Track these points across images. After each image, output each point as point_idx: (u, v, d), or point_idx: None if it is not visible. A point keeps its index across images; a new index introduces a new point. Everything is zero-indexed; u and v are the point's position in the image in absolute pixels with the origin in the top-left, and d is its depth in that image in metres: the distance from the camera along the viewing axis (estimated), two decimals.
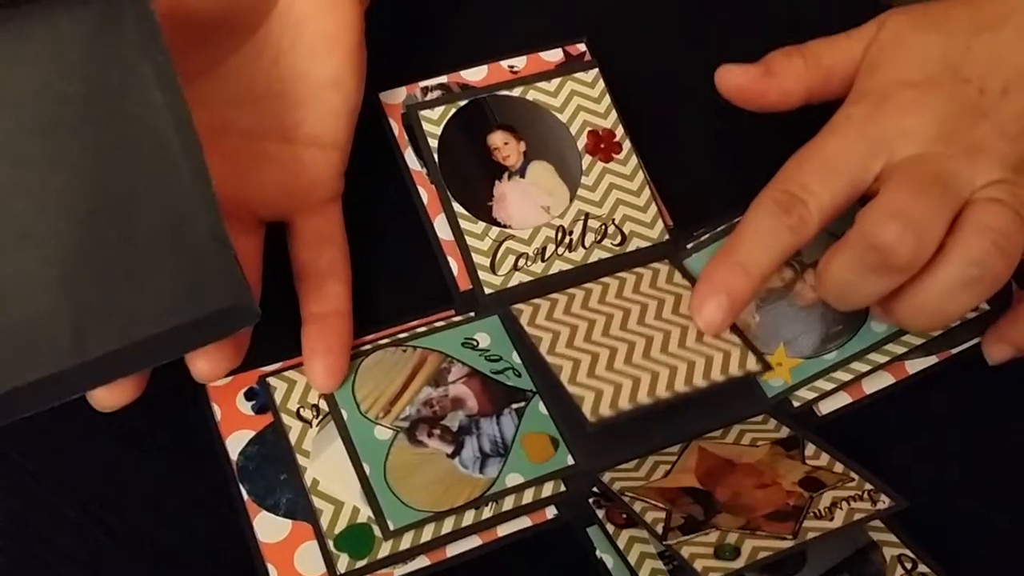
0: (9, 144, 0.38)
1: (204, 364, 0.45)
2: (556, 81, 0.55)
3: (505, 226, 0.52)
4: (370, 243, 0.53)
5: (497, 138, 0.54)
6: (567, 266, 0.52)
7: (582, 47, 0.57)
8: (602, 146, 0.54)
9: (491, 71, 0.56)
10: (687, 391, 0.47)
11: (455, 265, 0.52)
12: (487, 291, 0.51)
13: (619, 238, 0.53)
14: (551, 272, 0.52)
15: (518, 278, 0.51)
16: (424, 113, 0.54)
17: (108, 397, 0.43)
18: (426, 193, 0.53)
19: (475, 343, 0.50)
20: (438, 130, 0.53)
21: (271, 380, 0.48)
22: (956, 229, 0.46)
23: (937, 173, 0.47)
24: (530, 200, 0.53)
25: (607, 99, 0.55)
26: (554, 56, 0.57)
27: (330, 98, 0.49)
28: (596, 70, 0.56)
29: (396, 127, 0.55)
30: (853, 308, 0.49)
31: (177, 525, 0.46)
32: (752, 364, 0.49)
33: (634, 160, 0.54)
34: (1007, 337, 0.51)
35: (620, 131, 0.55)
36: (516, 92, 0.55)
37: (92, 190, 0.39)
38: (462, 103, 0.54)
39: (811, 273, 0.52)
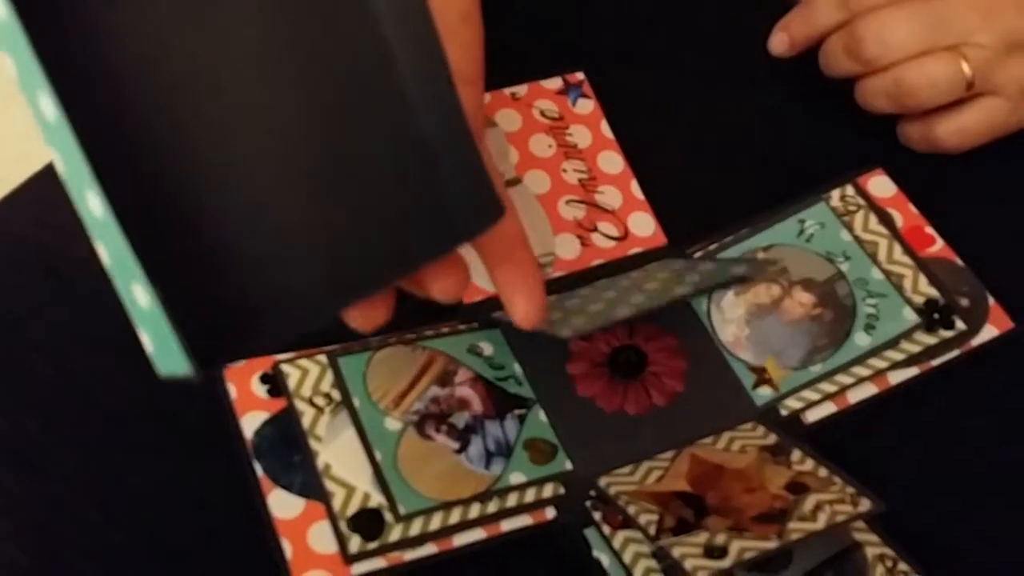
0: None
1: (445, 283, 0.42)
2: None
3: None
4: None
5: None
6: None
7: (580, 76, 0.59)
8: None
9: (494, 98, 0.57)
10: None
11: None
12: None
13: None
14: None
15: None
16: None
17: (364, 320, 0.42)
18: None
19: (480, 350, 0.51)
20: None
21: (284, 367, 0.49)
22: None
23: (942, 16, 0.55)
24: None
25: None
26: (554, 84, 0.59)
27: (463, 33, 0.48)
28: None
29: None
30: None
31: (194, 524, 0.47)
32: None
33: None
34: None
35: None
36: None
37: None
38: None
39: (798, 290, 0.54)
